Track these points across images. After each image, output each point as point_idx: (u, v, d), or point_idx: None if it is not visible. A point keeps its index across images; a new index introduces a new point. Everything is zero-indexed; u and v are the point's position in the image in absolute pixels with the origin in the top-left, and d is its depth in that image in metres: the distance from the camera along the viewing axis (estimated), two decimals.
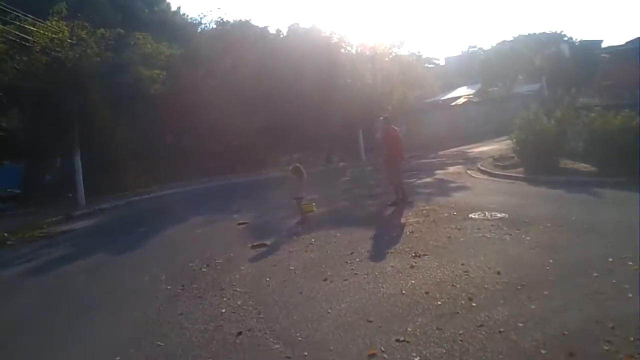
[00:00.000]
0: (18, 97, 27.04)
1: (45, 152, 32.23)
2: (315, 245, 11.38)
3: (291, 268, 9.73)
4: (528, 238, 9.66)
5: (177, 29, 40.45)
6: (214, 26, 45.05)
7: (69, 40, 24.98)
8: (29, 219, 21.50)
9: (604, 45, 66.64)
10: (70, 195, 27.61)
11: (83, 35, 25.54)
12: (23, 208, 26.78)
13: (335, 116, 37.71)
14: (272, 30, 45.19)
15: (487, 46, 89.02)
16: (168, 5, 45.19)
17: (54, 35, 24.37)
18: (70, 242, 16.70)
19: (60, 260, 13.69)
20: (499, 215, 12.01)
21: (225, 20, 44.71)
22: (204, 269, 10.53)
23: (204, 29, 45.34)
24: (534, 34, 78.56)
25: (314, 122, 37.91)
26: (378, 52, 43.35)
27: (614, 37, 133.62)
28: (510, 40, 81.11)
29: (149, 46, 28.39)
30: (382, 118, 16.58)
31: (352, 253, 10.25)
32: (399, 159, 16.05)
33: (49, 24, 24.52)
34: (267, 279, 9.19)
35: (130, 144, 31.91)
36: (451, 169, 24.37)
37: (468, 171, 22.57)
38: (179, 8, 44.92)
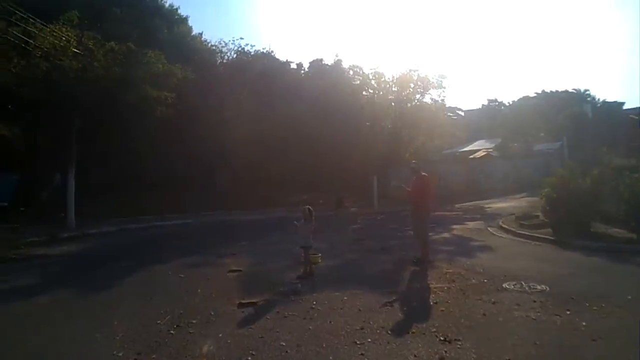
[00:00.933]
0: (15, 103, 25.80)
1: (43, 165, 30.70)
2: (317, 312, 9.15)
3: (282, 344, 7.44)
4: (584, 323, 7.83)
5: (195, 53, 38.90)
6: (234, 55, 43.94)
7: (74, 49, 23.42)
8: (8, 237, 20.15)
9: (626, 107, 65.56)
10: (63, 215, 25.85)
11: (90, 46, 24.12)
12: (7, 223, 24.57)
13: (350, 159, 36.80)
14: (293, 64, 44.43)
15: (508, 100, 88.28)
16: (190, 28, 44.01)
17: (56, 41, 22.83)
18: (38, 270, 14.85)
19: (13, 292, 11.75)
20: (538, 287, 10.31)
21: (246, 50, 43.64)
22: (172, 331, 8.27)
23: (223, 57, 44.06)
24: (557, 91, 78.04)
25: (327, 162, 36.90)
26: (401, 96, 42.63)
27: (636, 99, 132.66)
28: (533, 97, 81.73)
29: (161, 66, 26.50)
30: (411, 164, 14.77)
31: (362, 328, 8.06)
32: (429, 210, 14.26)
33: (53, 29, 23.04)
34: (249, 358, 6.93)
35: (132, 167, 30.63)
36: (470, 225, 23.08)
37: (489, 228, 21.30)
38: (200, 33, 43.27)
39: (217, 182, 36.00)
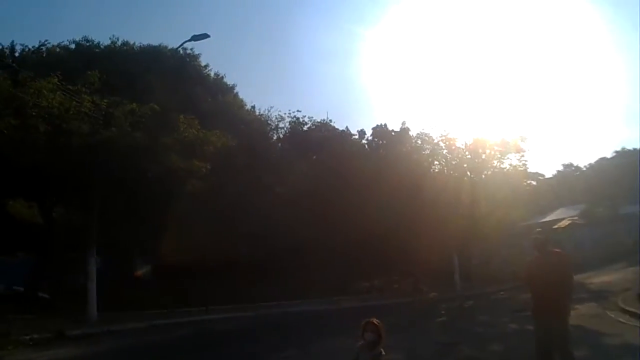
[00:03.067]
0: (20, 175, 22.65)
1: (65, 245, 27.76)
2: None
3: None
4: None
5: (242, 123, 35.87)
6: (288, 126, 40.73)
7: (85, 111, 20.25)
8: (6, 331, 16.63)
9: None
10: None
11: (104, 106, 20.89)
12: (14, 313, 21.09)
13: (425, 236, 33.44)
14: (354, 133, 41.30)
15: (584, 164, 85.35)
16: (236, 97, 40.75)
17: (62, 101, 19.59)
18: None
19: None
20: None
21: (301, 120, 40.08)
22: None
23: (276, 128, 41.10)
24: (634, 149, 73.85)
25: (399, 242, 33.79)
26: (476, 163, 39.62)
27: None
28: (611, 157, 79.43)
29: (195, 131, 22.76)
30: (535, 236, 9.54)
31: None
32: (568, 306, 8.89)
33: (59, 85, 19.76)
34: None
35: (168, 251, 27.89)
36: (581, 308, 18.59)
37: (608, 312, 18.17)
38: (253, 107, 40.66)
39: (272, 267, 32.19)
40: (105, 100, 21.00)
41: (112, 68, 28.43)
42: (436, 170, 40.25)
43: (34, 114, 18.94)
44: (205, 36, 24.08)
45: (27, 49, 32.78)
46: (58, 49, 34.71)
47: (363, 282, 35.39)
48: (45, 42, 33.62)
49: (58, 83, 19.75)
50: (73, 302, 23.83)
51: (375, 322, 6.49)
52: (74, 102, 20.07)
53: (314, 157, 37.79)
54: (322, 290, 31.70)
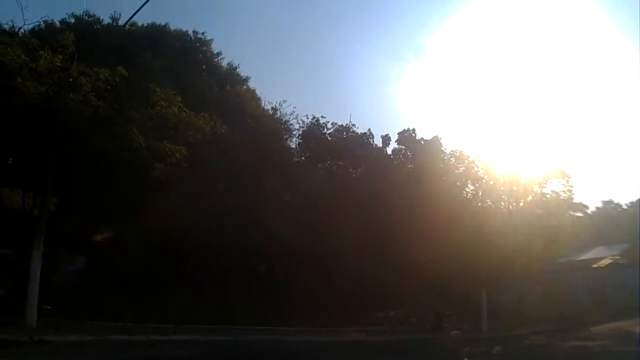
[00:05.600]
0: None
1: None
2: None
3: None
4: None
5: (248, 116, 32.67)
6: (303, 125, 36.63)
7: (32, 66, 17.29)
8: None
9: None
10: (48, 307, 20.09)
11: (57, 63, 17.82)
12: None
13: (451, 266, 30.30)
14: (377, 138, 36.64)
15: (625, 202, 79.25)
16: (248, 90, 37.09)
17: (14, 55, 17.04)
18: None
19: None
20: None
21: (321, 122, 35.81)
22: None
23: (288, 126, 37.02)
24: None
25: (421, 269, 30.29)
26: (515, 189, 35.84)
27: None
28: None
29: (175, 109, 19.57)
30: None
31: None
32: None
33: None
34: None
35: (125, 247, 24.95)
36: None
37: None
38: (265, 102, 36.37)
39: (265, 282, 29.30)
40: (58, 59, 17.86)
41: (108, 44, 26.61)
42: (469, 194, 36.78)
43: None
44: None
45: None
46: (58, 24, 31.99)
47: (376, 311, 32.25)
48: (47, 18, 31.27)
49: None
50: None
51: None
52: (25, 58, 17.15)
53: (329, 163, 34.85)
54: (327, 317, 28.81)
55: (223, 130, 22.52)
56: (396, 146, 35.91)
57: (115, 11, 32.29)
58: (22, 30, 24.71)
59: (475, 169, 35.94)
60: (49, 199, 20.17)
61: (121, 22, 32.39)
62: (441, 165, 34.92)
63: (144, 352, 17.35)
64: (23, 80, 17.00)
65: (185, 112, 20.22)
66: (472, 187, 36.71)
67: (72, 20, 32.93)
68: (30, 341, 16.38)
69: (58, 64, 17.85)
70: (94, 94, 18.27)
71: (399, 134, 35.64)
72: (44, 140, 18.30)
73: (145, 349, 17.81)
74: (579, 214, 45.46)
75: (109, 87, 18.66)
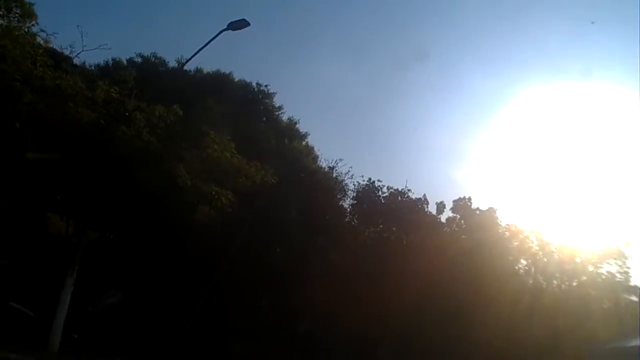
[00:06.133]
0: None
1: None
2: None
3: None
4: None
5: (303, 171, 31.99)
6: (359, 187, 35.48)
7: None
8: None
9: None
10: (75, 336, 19.98)
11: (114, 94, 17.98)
12: None
13: (496, 344, 28.59)
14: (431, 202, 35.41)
15: None
16: (306, 146, 36.85)
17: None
18: None
19: None
20: None
21: (376, 185, 34.65)
22: None
23: (347, 192, 36.12)
24: None
25: (462, 343, 28.37)
26: (567, 267, 34.24)
27: None
28: None
29: (228, 154, 19.22)
30: None
31: None
32: None
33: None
34: None
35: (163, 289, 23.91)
36: None
37: None
38: (330, 166, 36.34)
39: (302, 347, 27.31)
40: (115, 90, 17.99)
41: (171, 86, 26.80)
42: (522, 269, 35.14)
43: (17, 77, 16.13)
44: (244, 23, 19.94)
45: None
46: (125, 61, 33.01)
47: None
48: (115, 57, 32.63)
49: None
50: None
51: None
52: (81, 86, 17.32)
53: (381, 227, 33.52)
54: None
55: (274, 181, 22.04)
56: (450, 214, 34.76)
57: (182, 55, 32.48)
58: (84, 62, 25.46)
59: (530, 244, 34.61)
60: (87, 228, 20.10)
61: (187, 67, 32.92)
62: (495, 238, 33.78)
63: None
64: (76, 107, 16.90)
65: (238, 158, 19.86)
66: (524, 263, 35.25)
67: (139, 59, 33.61)
68: None
69: (114, 95, 17.85)
70: (147, 129, 18.08)
71: (454, 202, 34.44)
72: (92, 169, 17.97)
73: None
74: (634, 298, 43.17)
75: (162, 125, 18.53)
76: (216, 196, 19.09)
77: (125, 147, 17.39)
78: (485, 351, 28.81)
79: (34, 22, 17.89)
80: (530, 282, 33.90)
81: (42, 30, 18.62)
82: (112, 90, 17.89)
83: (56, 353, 18.24)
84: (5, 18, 17.22)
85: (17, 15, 17.46)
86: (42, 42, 18.46)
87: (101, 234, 22.95)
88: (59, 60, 19.55)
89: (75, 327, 20.25)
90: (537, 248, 34.35)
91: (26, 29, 17.69)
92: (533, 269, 34.58)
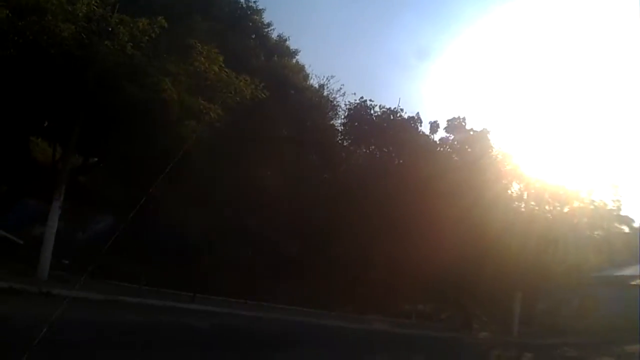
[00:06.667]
0: None
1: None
2: None
3: None
4: None
5: (293, 88, 32.01)
6: (349, 105, 35.60)
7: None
8: None
9: None
10: (67, 262, 19.81)
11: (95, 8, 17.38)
12: None
13: (487, 266, 29.20)
14: (425, 124, 35.40)
15: None
16: (297, 63, 36.38)
17: None
18: None
19: None
20: None
21: (369, 104, 34.51)
22: None
23: (337, 109, 36.52)
24: None
25: (455, 266, 28.96)
26: (562, 191, 34.94)
27: None
28: None
29: (216, 68, 19.01)
30: None
31: None
32: None
33: None
34: None
35: (155, 210, 21.89)
36: None
37: None
38: (321, 84, 37.06)
39: (296, 262, 27.78)
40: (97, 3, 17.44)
41: (156, 2, 25.42)
42: (514, 193, 35.47)
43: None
44: None
45: None
46: None
47: (405, 303, 31.76)
48: None
49: None
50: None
51: None
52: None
53: (373, 147, 33.62)
54: (354, 303, 29.03)
55: (264, 96, 21.64)
56: (444, 134, 34.66)
57: None
58: None
59: (523, 169, 34.74)
60: (72, 150, 19.65)
61: None
62: (488, 160, 33.70)
63: (152, 316, 16.81)
64: (56, 21, 16.32)
65: (226, 72, 19.44)
66: (517, 187, 35.57)
67: None
68: (37, 292, 16.06)
69: (95, 8, 17.29)
70: (131, 44, 17.63)
71: (448, 121, 34.17)
72: (75, 88, 17.57)
73: (154, 314, 17.27)
74: (625, 228, 43.76)
75: (147, 38, 17.99)
76: (204, 111, 18.85)
77: (108, 61, 16.98)
78: (475, 273, 29.75)
79: None
80: (523, 206, 34.38)
81: None
82: (93, 2, 17.27)
83: (45, 279, 18.03)
84: None
85: None
86: None
87: (86, 158, 22.59)
88: None
89: (66, 253, 20.24)
90: (529, 174, 34.78)
91: None
92: (525, 194, 35.12)
